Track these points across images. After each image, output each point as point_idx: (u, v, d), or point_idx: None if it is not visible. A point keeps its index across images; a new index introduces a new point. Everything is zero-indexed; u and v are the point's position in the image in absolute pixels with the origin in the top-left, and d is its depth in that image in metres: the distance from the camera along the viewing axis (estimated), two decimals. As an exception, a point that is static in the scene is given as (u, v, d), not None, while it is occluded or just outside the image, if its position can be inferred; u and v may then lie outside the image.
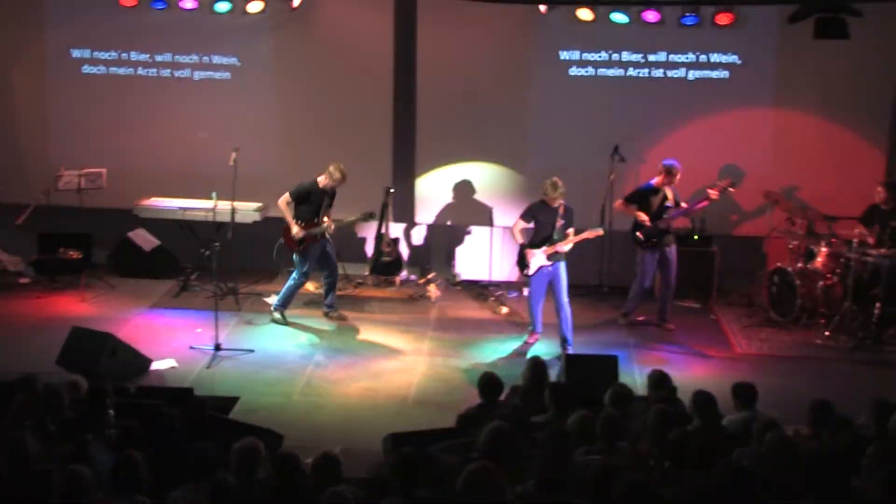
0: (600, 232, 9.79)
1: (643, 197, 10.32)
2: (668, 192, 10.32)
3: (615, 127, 11.51)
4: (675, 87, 11.55)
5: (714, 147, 11.58)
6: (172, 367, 9.12)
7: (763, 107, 11.51)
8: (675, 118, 11.61)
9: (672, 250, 10.36)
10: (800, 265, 10.56)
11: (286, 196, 10.14)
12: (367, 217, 10.86)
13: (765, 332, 10.43)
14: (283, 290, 10.35)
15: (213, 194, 10.13)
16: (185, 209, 11.19)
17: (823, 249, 10.40)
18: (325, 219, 10.16)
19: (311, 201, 10.13)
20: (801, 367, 9.58)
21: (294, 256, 10.31)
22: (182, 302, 10.97)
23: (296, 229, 10.10)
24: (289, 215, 10.15)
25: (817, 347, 10.00)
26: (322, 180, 10.11)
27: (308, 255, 10.22)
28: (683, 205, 10.35)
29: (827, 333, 10.14)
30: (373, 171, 11.83)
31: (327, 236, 10.29)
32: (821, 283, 10.30)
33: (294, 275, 10.32)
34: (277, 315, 10.31)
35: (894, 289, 9.96)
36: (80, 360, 8.49)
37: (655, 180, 10.31)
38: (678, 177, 10.24)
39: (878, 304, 9.99)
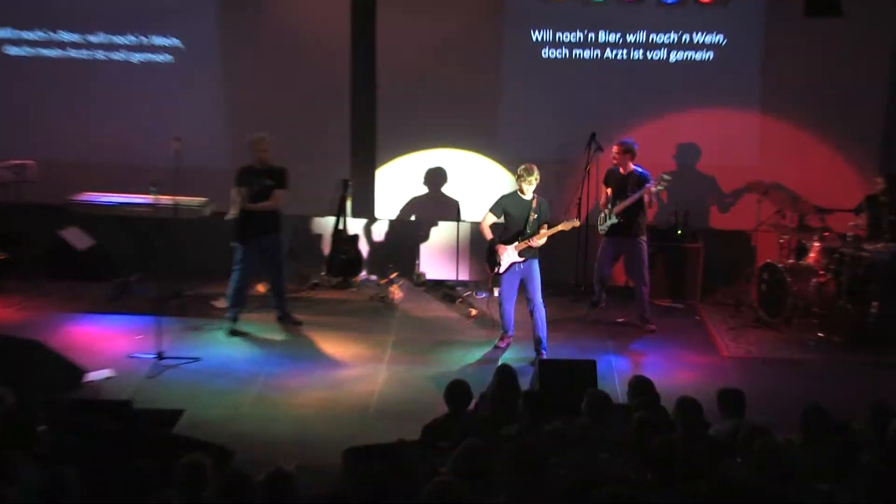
0: (577, 223, 9.81)
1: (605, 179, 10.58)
2: (630, 174, 10.38)
3: (592, 113, 11.55)
4: (656, 70, 11.58)
5: (697, 134, 11.64)
6: (109, 378, 9.04)
7: (750, 90, 11.56)
8: (656, 103, 11.64)
9: (636, 242, 10.40)
10: (791, 261, 10.62)
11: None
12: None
13: (753, 333, 10.50)
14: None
15: (153, 189, 10.04)
16: (122, 205, 11.09)
17: (816, 244, 10.48)
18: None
19: (244, 183, 10.07)
20: (792, 370, 9.65)
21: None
22: (120, 306, 10.88)
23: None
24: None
25: (810, 349, 10.08)
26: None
27: (236, 248, 10.17)
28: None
29: (820, 334, 10.22)
30: (329, 162, 11.80)
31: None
32: (813, 279, 10.36)
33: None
34: (230, 323, 10.25)
35: (892, 285, 10.04)
36: (5, 371, 8.36)
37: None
38: (629, 158, 10.33)
39: (874, 303, 10.07)
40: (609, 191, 10.51)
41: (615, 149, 10.47)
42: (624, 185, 10.36)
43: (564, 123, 11.63)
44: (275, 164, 10.08)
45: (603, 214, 10.46)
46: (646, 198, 10.19)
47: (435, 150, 11.95)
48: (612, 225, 10.36)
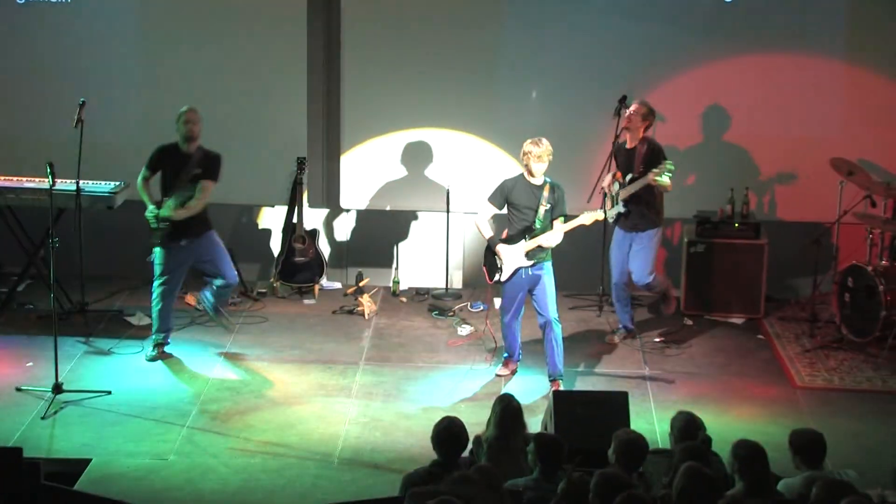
0: (601, 215, 9.81)
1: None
2: (637, 148, 10.42)
3: (621, 69, 11.55)
4: (707, 12, 11.58)
5: (760, 95, 11.62)
6: (-8, 418, 9.05)
7: (832, 36, 11.55)
8: (705, 57, 11.63)
9: (640, 238, 10.46)
10: (884, 262, 10.65)
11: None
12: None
13: (835, 357, 10.52)
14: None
15: (49, 169, 10.02)
16: (8, 191, 11.05)
17: (916, 240, 10.53)
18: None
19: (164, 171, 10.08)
20: (886, 406, 9.65)
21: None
22: (3, 324, 10.86)
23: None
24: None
25: (909, 379, 10.14)
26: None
27: (156, 256, 10.18)
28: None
29: (922, 359, 10.27)
30: (278, 137, 11.78)
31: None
32: (913, 287, 10.41)
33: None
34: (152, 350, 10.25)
35: None
36: None
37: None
38: (641, 124, 10.36)
39: None
40: (615, 168, 10.54)
41: (633, 108, 10.48)
42: (630, 162, 10.40)
43: (584, 84, 11.64)
44: (206, 148, 10.07)
45: (609, 197, 10.43)
46: (652, 180, 10.19)
47: (417, 122, 11.94)
48: (619, 213, 10.38)
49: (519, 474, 6.70)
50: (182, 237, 10.04)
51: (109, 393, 9.51)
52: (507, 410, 7.25)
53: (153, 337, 10.28)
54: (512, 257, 9.60)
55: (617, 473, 6.11)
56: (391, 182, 12.06)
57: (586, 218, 9.66)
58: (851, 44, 11.55)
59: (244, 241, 12.04)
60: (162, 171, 10.06)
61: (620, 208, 10.33)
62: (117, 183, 11.13)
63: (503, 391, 9.41)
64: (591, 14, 11.63)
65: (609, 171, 10.71)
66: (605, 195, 10.54)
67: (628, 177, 10.34)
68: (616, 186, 10.45)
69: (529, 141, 9.50)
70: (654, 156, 10.29)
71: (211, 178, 10.05)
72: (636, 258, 10.53)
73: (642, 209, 10.39)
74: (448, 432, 6.90)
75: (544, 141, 9.47)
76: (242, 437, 8.96)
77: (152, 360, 10.18)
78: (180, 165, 10.01)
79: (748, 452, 6.43)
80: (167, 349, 10.28)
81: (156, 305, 10.19)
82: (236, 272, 10.60)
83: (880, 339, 10.50)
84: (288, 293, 11.82)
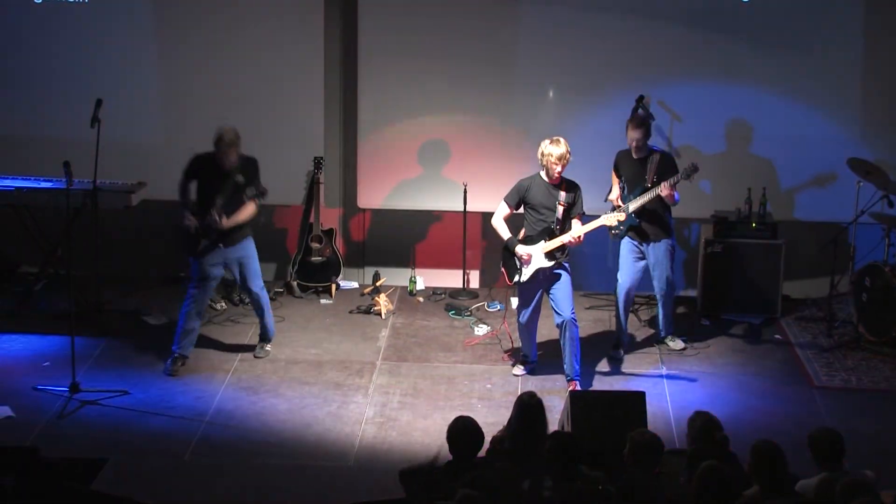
0: (622, 216, 9.78)
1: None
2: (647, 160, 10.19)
3: (637, 69, 11.54)
4: (728, 9, 11.55)
5: (775, 92, 11.59)
6: (8, 418, 9.05)
7: (850, 41, 11.51)
8: (723, 57, 11.60)
9: (658, 247, 10.28)
10: (902, 262, 10.63)
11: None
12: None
13: (852, 357, 10.50)
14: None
15: (66, 168, 10.03)
16: (22, 190, 11.07)
17: (935, 240, 10.49)
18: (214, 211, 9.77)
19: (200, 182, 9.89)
20: (904, 406, 9.67)
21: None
22: (20, 324, 10.87)
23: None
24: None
25: (929, 379, 10.12)
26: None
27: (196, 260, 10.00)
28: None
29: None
30: (295, 136, 11.77)
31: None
32: (931, 287, 10.37)
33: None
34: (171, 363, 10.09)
35: None
36: None
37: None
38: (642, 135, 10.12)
39: None
40: (617, 181, 10.38)
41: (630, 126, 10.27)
42: (641, 172, 10.19)
43: (601, 81, 11.62)
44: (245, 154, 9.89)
45: (614, 212, 10.17)
46: (663, 192, 10.00)
47: (433, 121, 11.93)
48: (630, 227, 10.20)
49: (539, 473, 6.67)
50: (219, 242, 9.91)
51: (126, 392, 9.53)
52: (527, 409, 7.21)
53: (174, 349, 10.07)
54: (533, 259, 9.57)
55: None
56: (408, 181, 12.04)
57: (608, 219, 9.64)
58: (869, 43, 11.51)
59: (261, 240, 12.02)
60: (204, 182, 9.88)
61: (633, 220, 10.19)
62: (133, 182, 11.16)
63: (520, 391, 9.39)
64: (610, 12, 11.59)
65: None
66: (614, 209, 10.33)
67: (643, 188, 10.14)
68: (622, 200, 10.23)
69: (548, 141, 9.45)
70: (667, 166, 10.12)
71: (256, 189, 9.87)
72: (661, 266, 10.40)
73: (659, 220, 10.26)
74: (464, 432, 6.87)
75: (563, 141, 9.43)
76: (259, 437, 8.97)
77: (170, 373, 10.04)
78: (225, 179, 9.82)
79: (767, 452, 6.42)
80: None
81: (182, 320, 10.03)
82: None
83: (898, 339, 10.50)
84: (306, 292, 11.81)
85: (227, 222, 9.78)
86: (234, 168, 9.72)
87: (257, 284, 10.13)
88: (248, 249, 10.08)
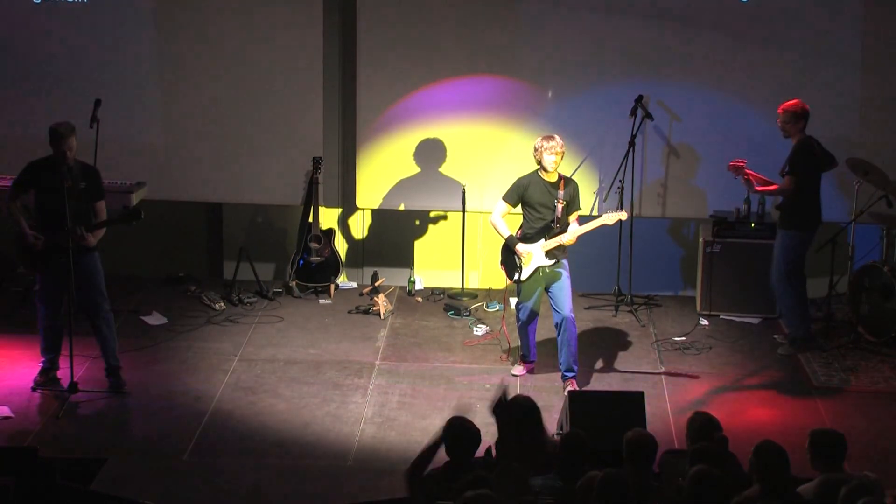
0: (623, 216, 9.78)
1: None
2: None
3: (637, 69, 11.54)
4: (726, 8, 11.54)
5: (775, 94, 11.55)
6: (6, 418, 9.06)
7: (850, 41, 11.52)
8: (723, 56, 11.59)
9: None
10: (900, 262, 10.62)
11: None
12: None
13: (852, 357, 10.48)
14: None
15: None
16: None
17: (933, 239, 10.49)
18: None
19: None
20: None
21: None
22: (19, 324, 10.86)
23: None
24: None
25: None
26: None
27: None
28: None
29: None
30: (293, 135, 11.76)
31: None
32: (930, 286, 10.37)
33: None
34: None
35: None
36: None
37: None
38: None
39: None
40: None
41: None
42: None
43: (600, 82, 11.62)
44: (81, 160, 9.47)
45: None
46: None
47: (432, 121, 11.92)
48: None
49: (537, 473, 6.67)
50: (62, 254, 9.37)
51: (125, 393, 9.52)
52: (525, 409, 7.20)
53: (43, 362, 9.71)
54: (532, 257, 9.57)
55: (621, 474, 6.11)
56: (407, 181, 12.03)
57: (608, 218, 9.64)
58: (868, 43, 11.51)
59: (260, 240, 12.03)
60: (43, 190, 9.40)
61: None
62: (132, 182, 11.15)
63: (519, 391, 9.39)
64: (610, 12, 11.59)
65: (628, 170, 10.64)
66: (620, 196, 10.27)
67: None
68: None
69: (541, 137, 9.51)
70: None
71: (100, 194, 9.54)
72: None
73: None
74: (461, 432, 6.85)
75: (557, 138, 9.46)
76: (258, 437, 8.97)
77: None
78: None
79: (766, 453, 6.40)
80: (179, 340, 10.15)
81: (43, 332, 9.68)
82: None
83: (897, 339, 10.49)
84: (305, 292, 11.80)
85: (92, 239, 9.40)
86: (73, 170, 9.27)
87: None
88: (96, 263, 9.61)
